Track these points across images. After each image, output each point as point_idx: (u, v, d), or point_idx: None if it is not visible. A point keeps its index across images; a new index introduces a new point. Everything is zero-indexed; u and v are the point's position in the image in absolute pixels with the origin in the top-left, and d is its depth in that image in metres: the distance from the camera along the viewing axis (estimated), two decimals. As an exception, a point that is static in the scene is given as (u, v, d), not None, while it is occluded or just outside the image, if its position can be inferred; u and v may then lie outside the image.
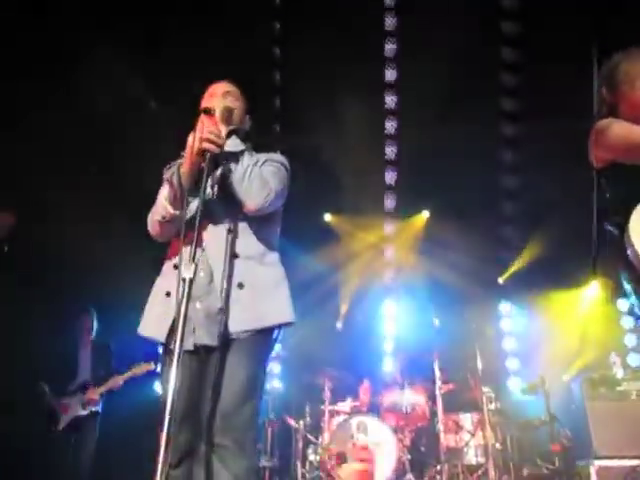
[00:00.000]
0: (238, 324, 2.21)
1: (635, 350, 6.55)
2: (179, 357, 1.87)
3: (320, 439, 5.61)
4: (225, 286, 2.24)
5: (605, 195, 2.37)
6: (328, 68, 5.21)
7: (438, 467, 5.38)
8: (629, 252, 2.15)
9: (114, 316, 5.76)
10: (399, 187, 6.50)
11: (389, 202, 6.56)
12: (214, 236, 2.34)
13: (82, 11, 4.65)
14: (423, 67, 5.16)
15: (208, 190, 2.29)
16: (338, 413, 5.81)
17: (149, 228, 2.48)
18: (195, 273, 1.99)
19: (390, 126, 5.47)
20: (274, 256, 2.44)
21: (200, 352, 2.24)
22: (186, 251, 2.18)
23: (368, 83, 5.36)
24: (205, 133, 2.24)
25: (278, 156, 2.55)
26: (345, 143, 6.01)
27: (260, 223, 2.41)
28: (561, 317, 7.23)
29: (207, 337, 2.22)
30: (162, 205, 2.36)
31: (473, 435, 5.59)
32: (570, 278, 6.98)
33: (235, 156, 2.34)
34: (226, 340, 2.21)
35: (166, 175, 2.46)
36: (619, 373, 5.25)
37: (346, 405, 5.94)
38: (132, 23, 4.79)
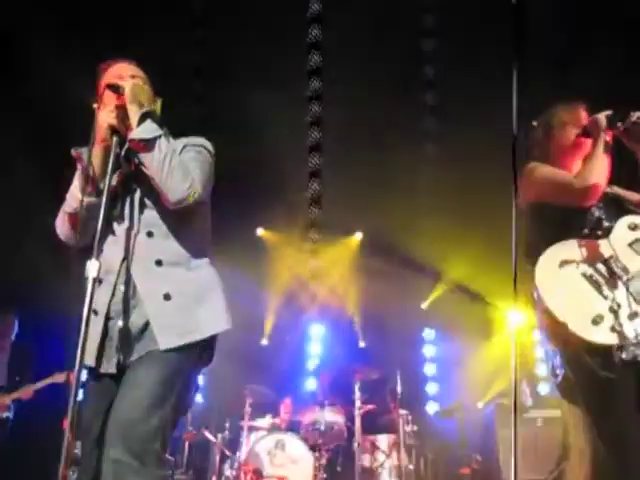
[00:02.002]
0: (167, 341, 2.00)
1: (544, 379, 6.86)
2: (79, 374, 1.71)
3: (237, 454, 5.59)
4: (150, 299, 2.04)
5: (529, 231, 2.54)
6: (249, 75, 5.31)
7: (352, 487, 5.46)
8: (535, 293, 2.31)
9: (40, 319, 5.56)
10: (332, 207, 6.61)
11: (320, 220, 6.65)
12: (133, 242, 2.08)
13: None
14: (346, 78, 5.32)
15: (114, 182, 2.03)
16: (257, 429, 5.80)
17: (59, 231, 2.21)
18: (99, 271, 1.83)
19: (315, 136, 5.56)
20: (204, 259, 2.20)
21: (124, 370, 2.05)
22: (107, 254, 2.04)
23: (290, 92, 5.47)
24: (113, 110, 2.04)
25: (199, 139, 2.26)
26: (278, 157, 6.08)
27: (185, 223, 2.15)
28: (480, 344, 7.50)
29: (132, 356, 2.03)
30: (73, 194, 2.11)
31: (388, 456, 5.70)
32: (491, 305, 7.27)
33: (151, 142, 2.02)
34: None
35: (74, 153, 2.15)
36: (528, 401, 5.50)
37: (265, 421, 5.94)
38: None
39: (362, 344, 7.70)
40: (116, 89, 2.07)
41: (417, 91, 5.39)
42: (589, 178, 2.32)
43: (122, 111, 2.06)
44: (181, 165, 2.06)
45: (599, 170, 2.34)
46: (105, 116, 2.05)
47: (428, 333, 7.96)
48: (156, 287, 2.06)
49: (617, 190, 2.55)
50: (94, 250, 1.85)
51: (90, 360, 2.03)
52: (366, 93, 5.45)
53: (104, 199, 1.92)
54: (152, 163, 2.02)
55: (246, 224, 7.28)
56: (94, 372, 2.08)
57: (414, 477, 5.69)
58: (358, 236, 7.91)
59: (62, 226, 2.19)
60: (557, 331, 2.23)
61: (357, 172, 6.27)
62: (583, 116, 2.56)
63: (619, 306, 2.12)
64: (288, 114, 5.60)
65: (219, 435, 5.80)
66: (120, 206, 2.14)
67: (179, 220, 2.14)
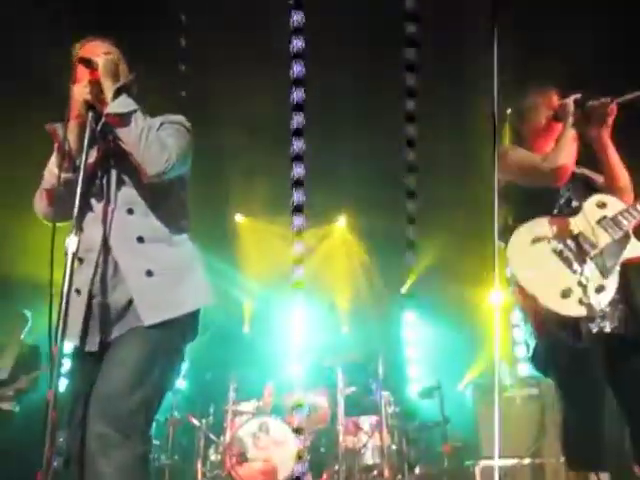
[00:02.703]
0: (151, 316, 2.01)
1: (523, 360, 6.99)
2: (60, 355, 1.73)
3: (222, 438, 5.65)
4: (132, 276, 2.03)
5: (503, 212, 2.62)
6: (232, 66, 5.31)
7: (336, 467, 5.55)
8: (507, 270, 2.40)
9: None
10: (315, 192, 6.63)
11: (302, 206, 6.64)
12: (112, 219, 2.09)
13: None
14: (329, 64, 5.35)
15: (92, 158, 2.05)
16: (241, 413, 5.87)
17: (36, 208, 2.20)
18: (78, 246, 1.85)
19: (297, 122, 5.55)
20: (184, 235, 2.22)
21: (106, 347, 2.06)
22: (87, 232, 2.05)
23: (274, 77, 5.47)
24: (87, 85, 2.04)
25: (176, 116, 2.26)
26: (260, 142, 6.07)
27: (164, 199, 2.17)
28: (461, 326, 7.61)
29: (114, 333, 2.04)
30: (50, 170, 2.12)
31: (371, 437, 5.80)
32: (470, 287, 7.36)
33: (127, 117, 2.02)
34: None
35: (49, 128, 2.12)
36: (507, 381, 5.63)
37: (250, 405, 6.01)
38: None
39: (345, 329, 7.78)
40: (89, 63, 2.06)
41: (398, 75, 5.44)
42: (557, 160, 2.42)
43: (96, 86, 2.06)
44: (158, 139, 2.06)
45: (567, 152, 2.44)
46: (80, 91, 2.05)
47: (409, 316, 8.07)
48: (138, 264, 2.06)
49: (585, 171, 2.66)
50: (73, 226, 1.86)
51: (74, 339, 2.04)
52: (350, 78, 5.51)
53: (80, 175, 1.93)
54: (129, 137, 2.02)
55: (226, 210, 7.29)
56: (78, 351, 2.09)
57: (396, 456, 5.80)
58: (342, 221, 7.98)
59: (40, 203, 2.19)
60: (528, 305, 2.32)
61: (340, 155, 6.30)
62: (554, 100, 2.64)
63: (587, 280, 2.22)
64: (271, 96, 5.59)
65: (204, 420, 5.86)
66: (99, 183, 2.14)
67: (158, 196, 2.15)
